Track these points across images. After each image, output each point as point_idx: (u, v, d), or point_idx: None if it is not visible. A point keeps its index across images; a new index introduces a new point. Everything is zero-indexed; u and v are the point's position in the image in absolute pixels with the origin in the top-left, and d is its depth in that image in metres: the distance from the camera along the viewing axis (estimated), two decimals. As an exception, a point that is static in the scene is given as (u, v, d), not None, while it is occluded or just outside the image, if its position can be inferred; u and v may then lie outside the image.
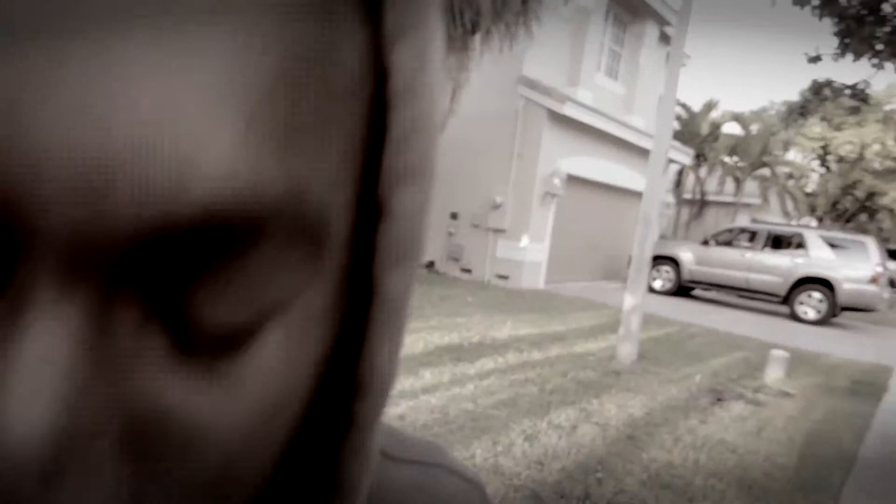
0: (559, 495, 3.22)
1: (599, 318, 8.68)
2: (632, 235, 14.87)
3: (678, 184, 20.42)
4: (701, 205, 20.96)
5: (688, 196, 20.91)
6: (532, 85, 11.01)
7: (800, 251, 11.52)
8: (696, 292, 13.21)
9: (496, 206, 11.36)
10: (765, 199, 21.59)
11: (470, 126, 11.04)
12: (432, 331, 6.42)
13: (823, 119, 26.65)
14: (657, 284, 12.63)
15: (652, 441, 4.15)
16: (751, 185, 21.43)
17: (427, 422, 3.99)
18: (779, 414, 5.10)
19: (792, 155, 26.97)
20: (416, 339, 6.01)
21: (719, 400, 5.29)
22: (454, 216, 11.95)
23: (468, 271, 11.60)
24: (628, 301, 6.33)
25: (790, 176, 24.82)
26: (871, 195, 27.01)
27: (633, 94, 14.18)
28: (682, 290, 12.81)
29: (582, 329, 7.73)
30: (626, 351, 6.23)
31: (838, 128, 26.25)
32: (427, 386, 4.67)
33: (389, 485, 0.32)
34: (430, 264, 11.80)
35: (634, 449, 3.98)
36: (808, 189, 28.17)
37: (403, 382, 4.69)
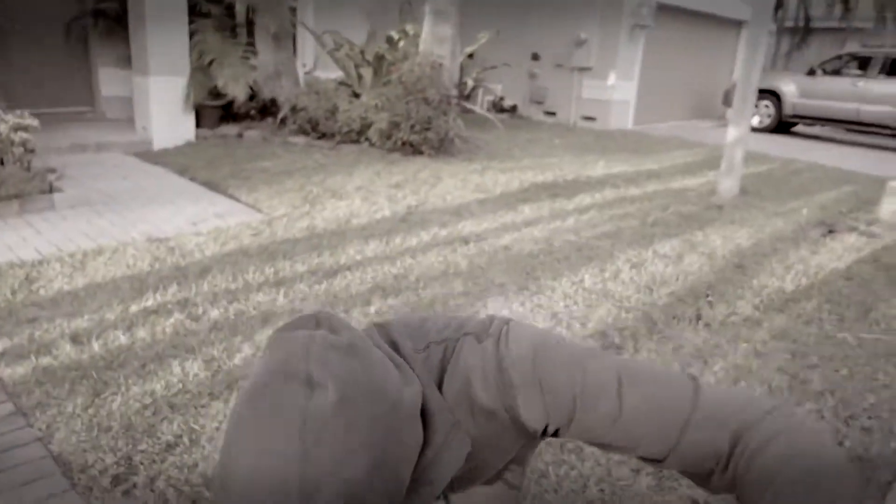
0: (671, 316, 3.24)
1: (695, 155, 8.32)
2: (727, 70, 13.82)
3: (776, 9, 18.42)
4: (804, 32, 18.98)
5: (789, 24, 18.92)
6: None
7: (922, 77, 10.40)
8: (798, 129, 12.35)
9: (580, 43, 10.68)
10: (880, 21, 19.26)
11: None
12: (525, 170, 6.34)
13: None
14: (755, 121, 11.83)
15: (761, 269, 4.06)
16: (864, 7, 19.10)
17: (532, 251, 4.02)
18: (896, 244, 4.86)
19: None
20: (511, 178, 5.96)
21: (831, 232, 5.06)
22: (535, 57, 11.36)
23: (552, 114, 11.20)
24: (731, 133, 5.98)
25: (912, -6, 21.94)
26: None
27: None
28: (782, 126, 11.98)
29: (677, 166, 7.45)
30: (728, 185, 5.98)
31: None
32: (528, 219, 4.68)
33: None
34: (513, 108, 11.44)
35: (743, 276, 3.91)
36: (932, 9, 24.92)
37: (504, 217, 4.71)
